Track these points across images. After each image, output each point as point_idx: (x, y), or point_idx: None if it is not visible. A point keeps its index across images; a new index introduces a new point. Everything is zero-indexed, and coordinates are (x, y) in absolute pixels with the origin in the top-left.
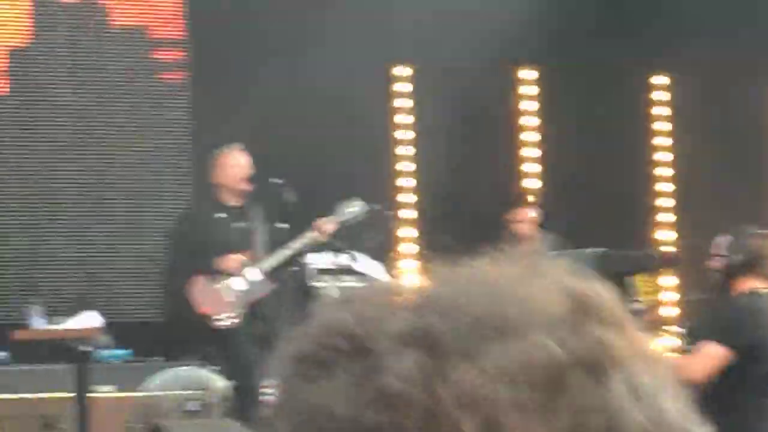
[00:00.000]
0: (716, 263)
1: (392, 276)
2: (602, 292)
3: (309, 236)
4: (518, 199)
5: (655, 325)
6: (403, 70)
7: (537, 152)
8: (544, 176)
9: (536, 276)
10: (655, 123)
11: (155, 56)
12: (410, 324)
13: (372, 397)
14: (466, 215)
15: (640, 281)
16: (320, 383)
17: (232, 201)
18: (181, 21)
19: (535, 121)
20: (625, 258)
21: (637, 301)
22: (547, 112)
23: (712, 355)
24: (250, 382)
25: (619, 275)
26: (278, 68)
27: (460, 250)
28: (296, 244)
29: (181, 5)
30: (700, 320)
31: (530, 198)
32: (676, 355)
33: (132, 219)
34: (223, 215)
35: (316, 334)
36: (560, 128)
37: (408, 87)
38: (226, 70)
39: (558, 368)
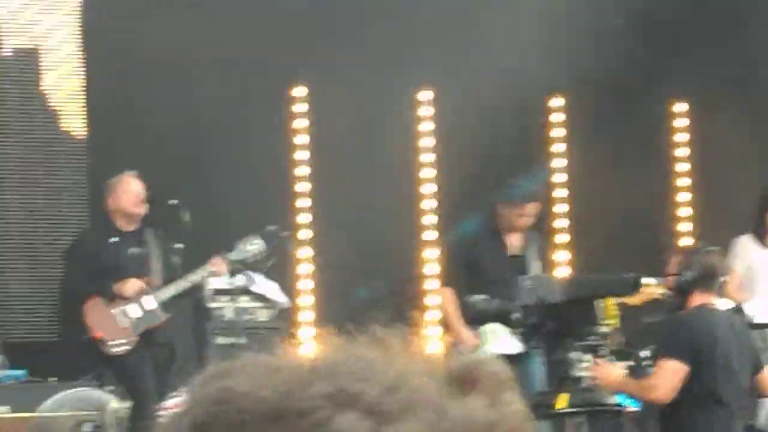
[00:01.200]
0: (670, 282)
1: (287, 297)
2: (487, 362)
3: (205, 271)
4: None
5: (619, 349)
6: (301, 90)
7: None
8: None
9: (418, 354)
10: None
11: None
12: (334, 387)
13: None
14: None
15: (609, 305)
16: None
17: (127, 226)
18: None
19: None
20: (594, 282)
21: (604, 324)
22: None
23: (673, 371)
24: (146, 404)
25: (588, 299)
26: (170, 93)
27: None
28: (193, 277)
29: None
30: (658, 339)
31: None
32: (638, 377)
33: (27, 241)
34: (118, 239)
35: (217, 402)
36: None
37: (305, 108)
38: (121, 92)
39: None
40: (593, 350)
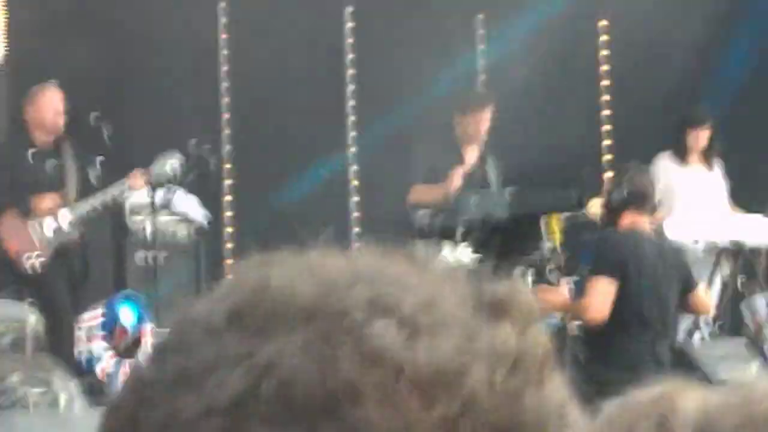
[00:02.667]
0: (602, 201)
1: (206, 212)
2: (512, 288)
3: (121, 189)
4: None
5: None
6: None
7: None
8: None
9: (435, 274)
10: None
11: None
12: (374, 294)
13: (350, 355)
14: None
15: (554, 220)
16: (275, 339)
17: (45, 138)
18: None
19: None
20: (541, 197)
21: (549, 240)
22: None
23: (605, 288)
24: (62, 318)
25: (534, 214)
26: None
27: None
28: (110, 191)
29: None
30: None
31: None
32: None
33: None
34: (35, 152)
35: (255, 292)
36: None
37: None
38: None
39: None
40: (538, 265)
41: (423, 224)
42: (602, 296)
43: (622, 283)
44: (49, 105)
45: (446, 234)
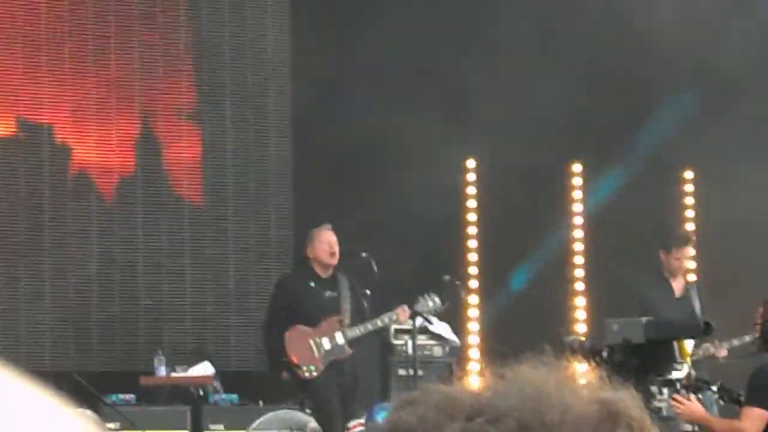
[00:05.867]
0: (758, 329)
1: (457, 337)
2: (630, 401)
3: (390, 318)
4: (683, 238)
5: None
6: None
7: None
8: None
9: (573, 384)
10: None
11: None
12: (464, 429)
13: None
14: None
15: (683, 345)
16: None
17: (323, 272)
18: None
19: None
20: (671, 324)
21: (682, 363)
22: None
23: (760, 417)
24: (334, 424)
25: (666, 340)
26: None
27: None
28: (378, 322)
29: None
30: (745, 385)
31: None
32: (715, 413)
33: (240, 288)
34: (315, 284)
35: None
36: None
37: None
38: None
39: None
40: (672, 384)
41: (574, 347)
42: (757, 424)
43: None
44: (325, 245)
45: (593, 356)
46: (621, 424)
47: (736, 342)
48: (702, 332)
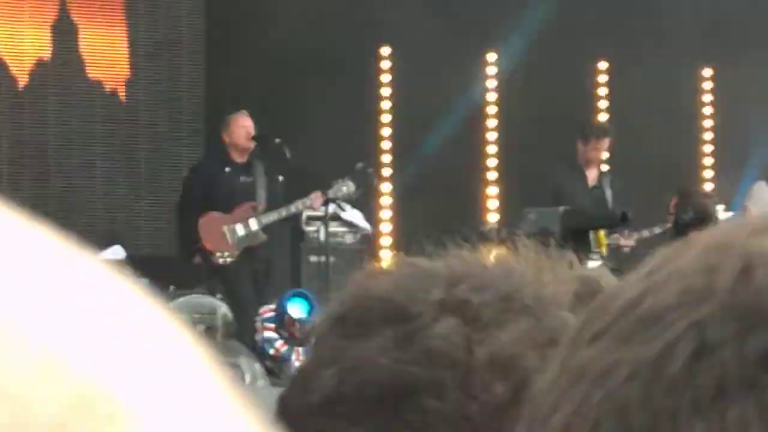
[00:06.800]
0: (671, 219)
1: (370, 224)
2: (606, 278)
3: (304, 204)
4: (601, 129)
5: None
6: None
7: None
8: None
9: (547, 263)
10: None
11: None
12: (448, 294)
13: (415, 354)
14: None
15: (600, 236)
16: (362, 341)
17: (239, 158)
18: None
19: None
20: (588, 214)
21: (597, 252)
22: None
23: None
24: (246, 310)
25: (581, 230)
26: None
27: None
28: (292, 208)
29: None
30: None
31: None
32: None
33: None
34: (230, 169)
35: (355, 299)
36: None
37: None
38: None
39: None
40: None
41: (489, 234)
42: None
43: None
44: (242, 130)
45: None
46: (594, 296)
47: (646, 233)
48: (619, 222)
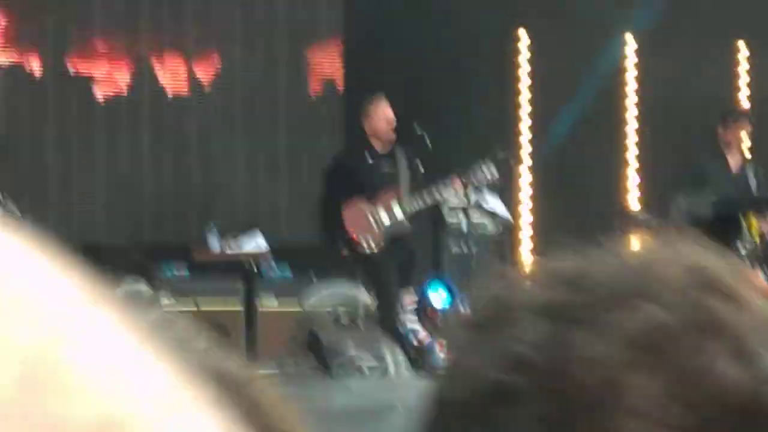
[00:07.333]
0: None
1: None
2: (724, 269)
3: (445, 187)
4: (735, 113)
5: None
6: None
7: None
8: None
9: (659, 249)
10: None
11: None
12: (540, 297)
13: (510, 362)
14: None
15: (752, 223)
16: (473, 350)
17: (381, 148)
18: None
19: None
20: (740, 200)
21: (749, 242)
22: None
23: None
24: (389, 299)
25: (734, 216)
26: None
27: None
28: (435, 194)
29: None
30: None
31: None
32: None
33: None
34: (373, 159)
35: (480, 307)
36: None
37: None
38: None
39: (667, 333)
40: (741, 259)
41: (640, 221)
42: None
43: None
44: (383, 120)
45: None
46: (713, 293)
47: None
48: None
